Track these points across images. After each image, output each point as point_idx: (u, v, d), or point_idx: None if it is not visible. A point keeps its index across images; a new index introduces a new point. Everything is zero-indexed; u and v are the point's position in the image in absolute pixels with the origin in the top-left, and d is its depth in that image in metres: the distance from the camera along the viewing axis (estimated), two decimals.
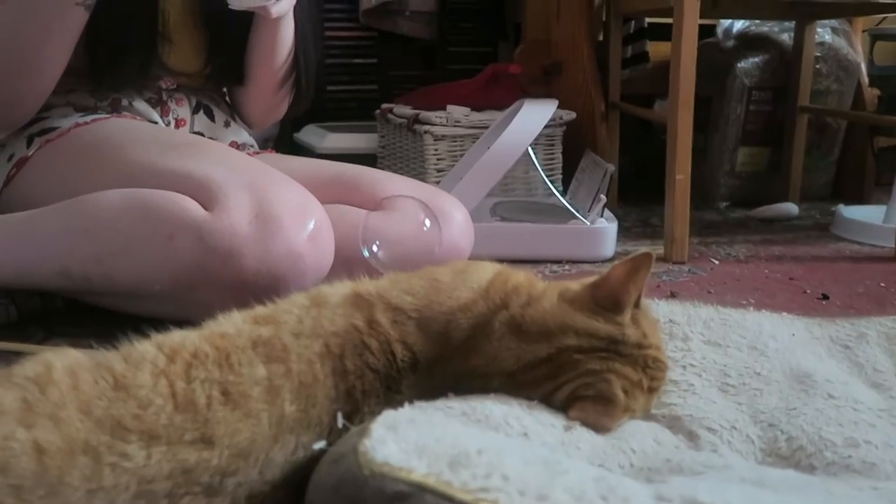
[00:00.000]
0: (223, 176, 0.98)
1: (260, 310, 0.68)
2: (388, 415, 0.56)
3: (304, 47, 1.29)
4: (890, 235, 1.58)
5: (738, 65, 2.06)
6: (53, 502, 0.51)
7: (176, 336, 0.63)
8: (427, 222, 1.05)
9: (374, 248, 1.03)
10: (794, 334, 0.93)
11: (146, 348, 0.61)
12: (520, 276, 0.73)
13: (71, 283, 1.01)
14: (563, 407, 0.65)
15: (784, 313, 0.99)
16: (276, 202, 0.96)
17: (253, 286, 0.92)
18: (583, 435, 0.63)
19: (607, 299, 0.67)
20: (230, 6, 1.09)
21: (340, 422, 0.59)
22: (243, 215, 0.94)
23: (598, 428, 0.64)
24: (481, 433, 0.57)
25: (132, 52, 1.15)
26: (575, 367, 0.65)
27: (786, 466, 0.68)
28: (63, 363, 0.57)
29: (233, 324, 0.65)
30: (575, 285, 0.70)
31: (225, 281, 0.93)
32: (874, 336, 0.92)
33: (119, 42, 1.14)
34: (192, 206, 0.95)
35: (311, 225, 0.97)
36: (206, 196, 0.96)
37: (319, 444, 0.57)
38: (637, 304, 0.68)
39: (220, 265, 0.93)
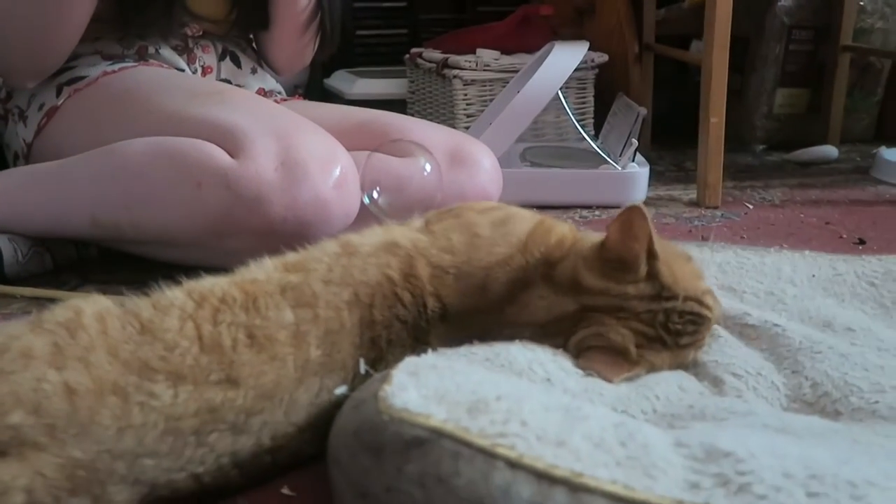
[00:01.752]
0: (249, 124, 0.99)
1: (290, 257, 0.68)
2: (409, 361, 0.56)
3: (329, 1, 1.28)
4: None
5: (778, 3, 1.99)
6: (85, 440, 0.52)
7: (206, 282, 0.64)
8: (427, 167, 1.04)
9: (375, 195, 1.03)
10: (814, 275, 0.90)
11: (175, 294, 0.62)
12: (562, 227, 0.72)
13: (102, 232, 1.02)
14: (575, 356, 0.65)
15: (807, 251, 0.96)
16: (302, 149, 0.96)
17: (280, 233, 0.93)
18: (600, 381, 0.64)
19: (614, 260, 0.66)
20: None
21: (363, 368, 0.60)
22: (269, 162, 0.94)
23: (603, 378, 0.64)
24: (504, 379, 0.57)
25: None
26: (591, 322, 0.65)
27: (811, 412, 0.67)
28: (92, 309, 0.59)
29: (263, 270, 0.66)
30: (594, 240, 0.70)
31: (252, 228, 0.94)
32: None
33: None
34: (218, 154, 0.95)
35: (337, 172, 0.97)
36: (232, 144, 0.96)
37: (341, 390, 0.58)
38: (653, 255, 0.67)
39: (246, 212, 0.93)
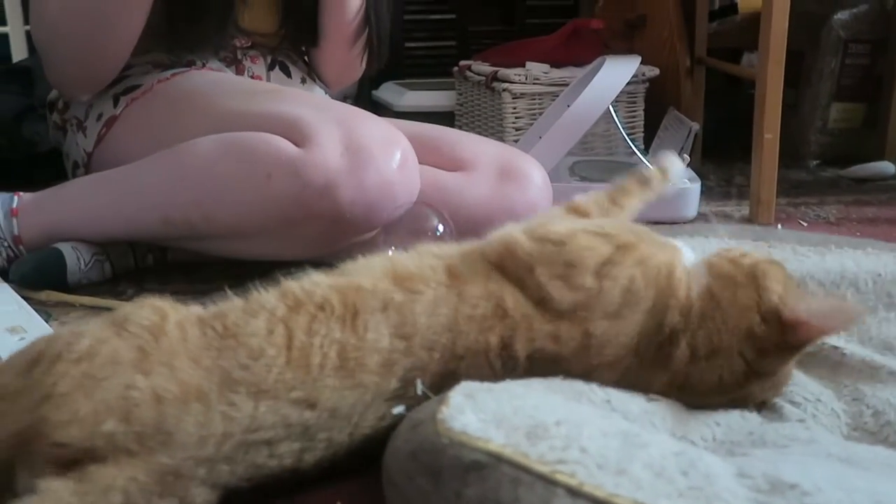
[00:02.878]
0: (310, 114, 1.01)
1: (399, 264, 0.66)
2: (466, 384, 0.56)
3: (375, 3, 1.29)
4: None
5: (834, 16, 1.95)
6: (171, 447, 0.54)
7: (306, 283, 0.63)
8: (440, 228, 1.07)
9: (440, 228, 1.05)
10: (880, 274, 0.87)
11: (267, 298, 0.62)
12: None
13: (174, 230, 1.05)
14: None
15: (869, 248, 0.93)
16: (364, 135, 0.99)
17: (349, 216, 0.97)
18: (666, 406, 0.63)
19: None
20: None
21: (420, 389, 0.60)
22: (335, 149, 0.97)
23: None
24: (562, 402, 0.57)
25: (209, 13, 1.17)
26: None
27: (873, 442, 0.66)
28: (175, 317, 0.59)
29: (370, 274, 0.65)
30: None
31: (322, 213, 0.97)
32: None
33: (196, 3, 1.16)
34: (285, 145, 0.98)
35: (399, 154, 1.00)
36: (296, 134, 0.99)
37: (399, 409, 0.58)
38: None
39: (317, 198, 0.96)
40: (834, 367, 0.74)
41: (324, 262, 0.73)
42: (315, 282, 0.63)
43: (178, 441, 0.54)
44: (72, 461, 0.52)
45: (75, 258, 1.06)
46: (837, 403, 0.70)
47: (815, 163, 2.01)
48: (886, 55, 1.98)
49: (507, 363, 0.63)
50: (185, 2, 1.15)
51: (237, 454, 0.56)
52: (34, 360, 0.56)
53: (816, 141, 2.02)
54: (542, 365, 0.63)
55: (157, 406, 0.54)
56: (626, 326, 0.64)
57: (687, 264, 0.68)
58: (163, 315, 0.59)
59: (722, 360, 0.64)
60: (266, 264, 1.10)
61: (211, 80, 1.17)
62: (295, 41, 1.32)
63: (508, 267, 0.66)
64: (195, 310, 0.62)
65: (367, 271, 0.65)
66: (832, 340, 0.76)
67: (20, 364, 0.57)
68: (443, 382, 0.60)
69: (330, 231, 1.00)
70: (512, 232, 0.69)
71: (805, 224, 1.47)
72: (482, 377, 0.59)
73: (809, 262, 0.89)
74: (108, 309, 1.00)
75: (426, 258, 0.67)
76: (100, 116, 1.18)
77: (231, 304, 0.62)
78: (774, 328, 0.63)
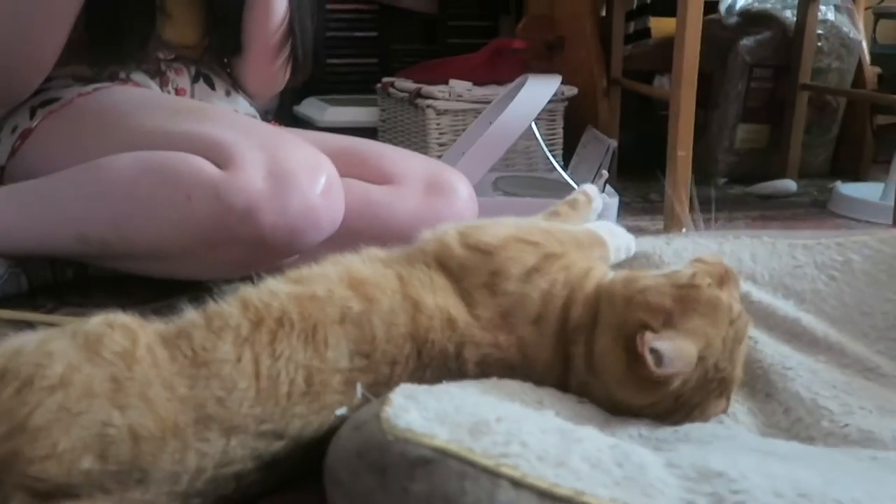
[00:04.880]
0: (234, 136, 1.00)
1: (355, 269, 0.66)
2: (406, 386, 0.57)
3: (299, 16, 1.29)
4: (887, 213, 1.60)
5: (741, 42, 2.06)
6: (146, 484, 0.53)
7: (263, 293, 0.63)
8: None
9: None
10: (775, 268, 0.90)
11: (229, 311, 0.61)
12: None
13: (88, 248, 1.02)
14: None
15: (765, 237, 0.94)
16: (288, 159, 0.98)
17: (271, 241, 0.95)
18: (594, 408, 0.65)
19: None
20: None
21: (360, 392, 0.61)
22: (258, 172, 0.95)
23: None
24: (498, 402, 0.58)
25: (131, 27, 1.15)
26: None
27: (787, 438, 0.70)
28: (144, 339, 0.58)
29: (325, 282, 0.65)
30: None
31: (243, 237, 0.95)
32: (860, 261, 0.89)
33: (117, 18, 1.14)
34: (207, 166, 0.96)
35: (323, 180, 0.99)
36: (219, 156, 0.97)
37: (342, 411, 0.59)
38: None
39: (238, 222, 0.94)
40: (748, 355, 0.76)
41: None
42: (272, 291, 0.63)
43: (153, 478, 0.53)
44: (46, 494, 0.51)
45: None
46: (752, 402, 0.74)
47: (723, 180, 2.11)
48: (787, 80, 2.09)
49: (461, 371, 0.65)
50: (107, 16, 1.13)
51: (208, 488, 0.56)
52: None
53: (724, 160, 2.12)
54: (493, 371, 0.65)
55: (135, 444, 0.53)
56: (547, 329, 0.66)
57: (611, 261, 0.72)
58: (133, 338, 0.58)
59: (598, 382, 0.65)
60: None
61: (133, 96, 1.15)
62: (219, 53, 1.31)
63: (446, 267, 0.69)
64: (157, 327, 0.61)
65: (323, 277, 0.65)
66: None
67: None
68: None
69: (251, 255, 0.98)
70: (447, 233, 0.71)
71: None
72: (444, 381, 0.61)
73: (707, 250, 0.91)
74: (28, 323, 0.97)
75: (375, 265, 0.68)
76: (15, 129, 1.15)
77: (192, 321, 0.61)
78: (632, 358, 0.63)
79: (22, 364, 0.55)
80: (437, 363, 0.65)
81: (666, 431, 0.65)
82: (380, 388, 0.62)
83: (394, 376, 0.63)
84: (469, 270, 0.69)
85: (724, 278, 0.68)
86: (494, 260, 0.69)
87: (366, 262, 0.69)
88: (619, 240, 0.81)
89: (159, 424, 0.54)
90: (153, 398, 0.55)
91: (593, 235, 0.78)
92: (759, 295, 0.84)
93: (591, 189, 0.87)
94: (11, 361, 0.55)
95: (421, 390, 0.57)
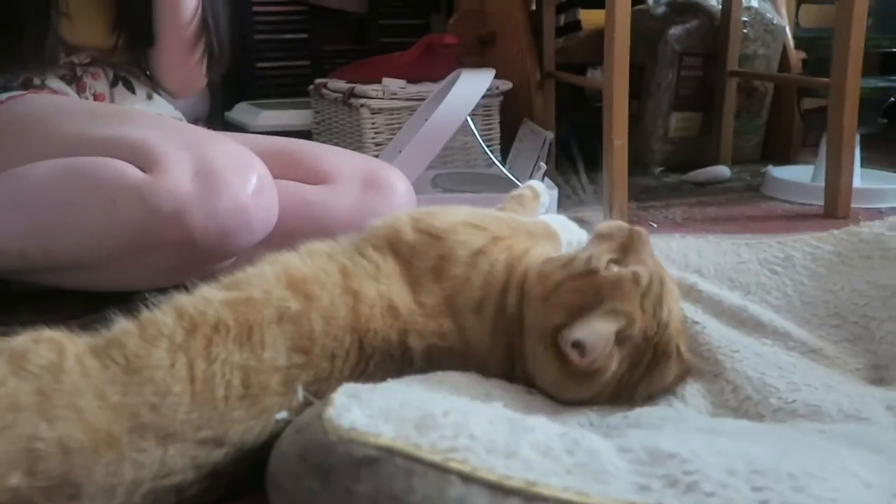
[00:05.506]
0: (158, 137, 0.97)
1: (293, 267, 0.65)
2: (349, 386, 0.56)
3: (212, 8, 1.25)
4: (818, 194, 1.63)
5: (669, 31, 2.08)
6: (78, 499, 0.51)
7: (197, 300, 0.61)
8: None
9: None
10: (719, 262, 0.93)
11: (163, 320, 0.59)
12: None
13: (7, 262, 0.97)
14: None
15: (710, 236, 0.99)
16: (216, 159, 0.95)
17: (201, 244, 0.92)
18: (542, 398, 0.64)
19: None
20: None
21: (301, 395, 0.58)
22: (185, 173, 0.92)
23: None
24: (444, 396, 0.57)
25: (24, 28, 1.09)
26: None
27: (736, 417, 0.70)
28: (73, 349, 0.56)
29: (262, 283, 0.63)
30: None
31: (172, 241, 0.92)
32: (800, 258, 0.93)
33: (8, 21, 1.08)
34: (130, 170, 0.93)
35: (254, 179, 0.97)
36: (143, 159, 0.94)
37: (283, 415, 0.57)
38: None
39: (165, 226, 0.91)
40: (695, 339, 0.77)
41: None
42: (207, 299, 0.61)
43: (87, 492, 0.51)
44: None
45: None
46: (701, 383, 0.74)
47: (659, 169, 2.13)
48: (716, 67, 2.12)
49: (405, 359, 0.64)
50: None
51: (146, 501, 0.53)
52: None
53: (659, 149, 2.14)
54: (439, 360, 0.64)
55: (65, 457, 0.51)
56: (486, 315, 0.66)
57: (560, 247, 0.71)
58: (60, 350, 0.56)
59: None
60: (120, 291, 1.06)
61: (50, 103, 1.11)
62: (131, 47, 1.26)
63: (397, 251, 0.68)
64: (87, 339, 0.59)
65: (260, 279, 0.64)
66: (691, 314, 0.80)
67: None
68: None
69: (182, 260, 0.95)
70: (400, 218, 0.71)
71: (655, 225, 1.55)
72: (390, 373, 0.60)
73: (657, 251, 0.93)
74: None
75: (318, 259, 0.66)
76: None
77: (126, 330, 0.59)
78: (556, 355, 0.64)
79: None
80: (381, 353, 0.63)
81: (616, 418, 0.64)
82: (321, 384, 0.60)
83: (334, 371, 0.61)
84: (418, 254, 0.68)
85: (627, 244, 0.67)
86: (444, 244, 0.69)
87: (305, 259, 0.67)
88: (571, 235, 0.81)
89: (91, 435, 0.52)
90: (84, 407, 0.53)
91: (546, 227, 0.78)
92: (706, 286, 0.85)
93: (537, 184, 0.87)
94: None
95: (364, 388, 0.55)
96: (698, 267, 0.90)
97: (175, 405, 0.55)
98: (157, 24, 1.23)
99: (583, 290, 0.63)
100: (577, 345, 0.60)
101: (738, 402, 0.71)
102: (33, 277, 1.03)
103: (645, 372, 0.65)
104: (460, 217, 0.71)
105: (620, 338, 0.62)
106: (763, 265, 0.91)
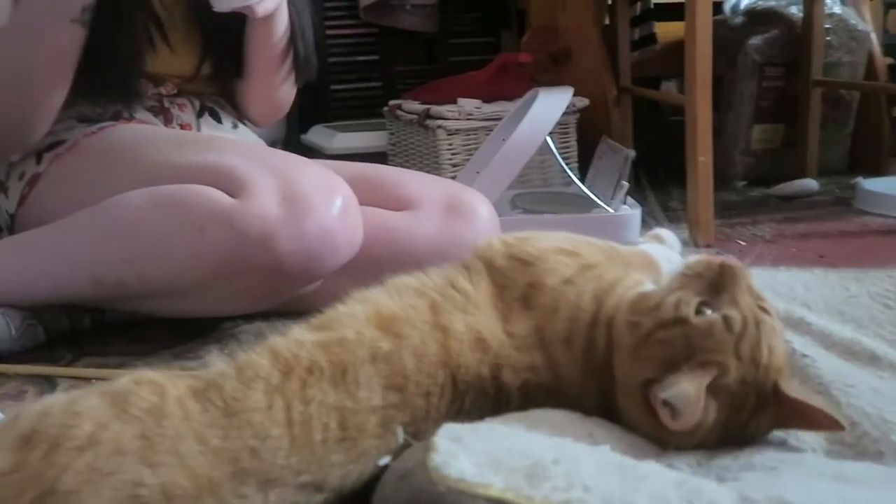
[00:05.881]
0: (244, 163, 0.98)
1: (383, 306, 0.64)
2: (449, 427, 0.54)
3: (300, 23, 1.25)
4: None
5: (749, 41, 2.03)
6: None
7: (291, 343, 0.61)
8: None
9: None
10: (829, 296, 0.89)
11: (259, 363, 0.59)
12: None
13: (104, 291, 0.99)
14: None
15: (816, 269, 0.96)
16: (301, 182, 0.95)
17: (289, 267, 0.93)
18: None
19: None
20: (214, 9, 1.06)
21: (401, 437, 0.57)
22: (271, 198, 0.93)
23: None
24: (549, 439, 0.55)
25: (112, 62, 1.11)
26: None
27: (854, 454, 0.66)
28: (174, 392, 0.56)
29: (353, 324, 0.62)
30: None
31: (260, 265, 0.93)
32: None
33: (96, 56, 1.10)
34: (218, 196, 0.94)
35: (339, 201, 0.97)
36: (230, 184, 0.95)
37: (385, 461, 0.56)
38: None
39: (253, 250, 0.92)
40: (804, 371, 0.74)
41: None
42: (299, 341, 0.61)
43: None
44: None
45: (5, 325, 0.99)
46: None
47: (742, 183, 2.07)
48: (799, 77, 2.06)
49: (501, 396, 0.62)
50: (91, 47, 1.09)
51: None
52: (26, 439, 0.51)
53: (741, 162, 2.08)
54: (535, 397, 0.62)
55: None
56: (576, 349, 0.64)
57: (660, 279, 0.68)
58: (162, 392, 0.55)
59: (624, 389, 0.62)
60: (209, 318, 1.07)
61: (138, 132, 1.13)
62: (220, 78, 1.27)
63: (492, 276, 0.67)
64: (187, 381, 0.58)
65: (350, 319, 0.63)
66: (799, 347, 0.77)
67: (10, 441, 0.52)
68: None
69: (269, 284, 0.96)
70: (493, 243, 0.69)
71: (743, 243, 1.50)
72: (486, 410, 0.59)
73: (762, 282, 0.90)
74: (46, 377, 0.95)
75: (406, 295, 0.65)
76: (22, 175, 1.12)
77: (223, 373, 0.58)
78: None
79: (49, 425, 0.53)
80: (475, 390, 0.62)
81: (726, 459, 0.61)
82: (418, 425, 0.59)
83: (431, 410, 0.60)
84: (508, 281, 0.67)
85: (718, 282, 0.62)
86: (533, 270, 0.67)
87: (393, 296, 0.66)
88: (672, 266, 0.75)
89: (193, 482, 0.51)
90: (185, 453, 0.52)
91: (645, 256, 0.75)
92: (815, 318, 0.82)
93: (665, 233, 0.83)
94: (39, 423, 0.53)
95: (465, 431, 0.54)
96: (806, 300, 0.86)
97: (274, 449, 0.54)
98: (247, 55, 1.24)
99: (672, 341, 0.60)
100: (668, 405, 0.58)
101: (856, 438, 0.67)
102: (128, 305, 1.05)
103: (752, 414, 0.62)
104: (554, 243, 0.69)
105: (714, 388, 0.59)
106: (875, 299, 0.87)
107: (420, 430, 0.59)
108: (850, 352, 0.77)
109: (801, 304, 0.88)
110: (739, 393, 0.60)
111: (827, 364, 0.73)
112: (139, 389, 0.56)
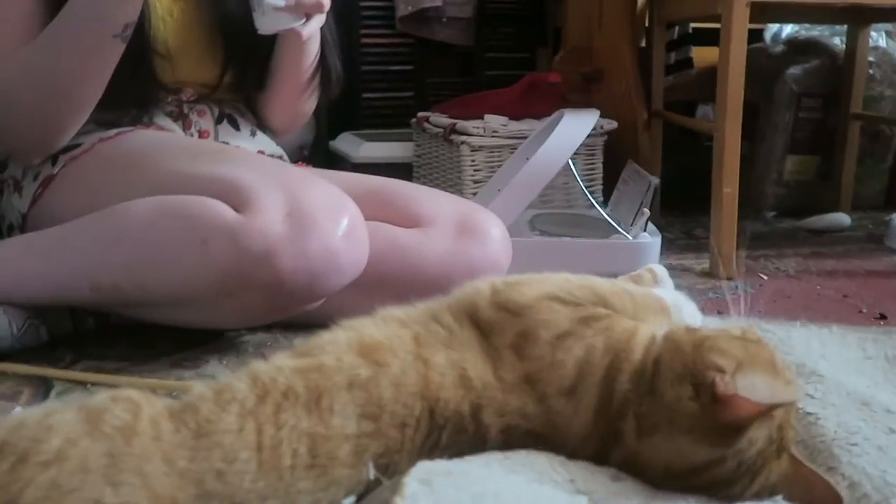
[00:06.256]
0: (253, 178, 0.97)
1: (367, 334, 0.63)
2: (422, 467, 0.52)
3: (331, 37, 1.25)
4: None
5: (787, 71, 1.99)
6: None
7: (271, 368, 0.60)
8: None
9: None
10: (845, 354, 0.87)
11: (238, 387, 0.58)
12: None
13: (102, 296, 0.99)
14: None
15: (834, 327, 0.93)
16: (308, 200, 0.94)
17: (290, 286, 0.91)
18: (633, 485, 0.59)
19: None
20: (259, 31, 1.06)
21: (372, 473, 0.55)
22: (276, 215, 0.92)
23: None
24: (524, 486, 0.53)
25: (118, 73, 1.08)
26: None
27: None
28: (150, 411, 0.55)
29: (334, 350, 0.61)
30: None
31: (261, 282, 0.91)
32: None
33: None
34: (223, 210, 0.93)
35: (346, 222, 0.95)
36: (236, 198, 0.94)
37: (349, 501, 0.54)
38: None
39: (255, 267, 0.91)
40: (807, 430, 0.71)
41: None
42: (279, 366, 0.60)
43: None
44: None
45: (7, 323, 0.99)
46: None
47: (771, 214, 2.03)
48: (838, 109, 2.01)
49: (479, 433, 0.60)
50: None
51: None
52: None
53: (773, 193, 2.04)
54: (520, 439, 0.60)
55: None
56: (584, 403, 0.61)
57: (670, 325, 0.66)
58: (136, 411, 0.55)
59: (661, 438, 0.60)
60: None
61: (154, 140, 1.13)
62: (241, 88, 1.27)
63: (476, 322, 0.65)
64: (167, 402, 0.58)
65: (332, 346, 0.62)
66: (808, 404, 0.74)
67: None
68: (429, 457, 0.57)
69: (270, 301, 0.94)
70: (480, 290, 0.67)
71: (765, 277, 1.46)
72: (464, 446, 0.58)
73: (775, 338, 0.88)
74: (44, 378, 0.95)
75: (392, 325, 0.64)
76: (37, 176, 1.13)
77: (202, 395, 0.58)
78: (707, 403, 0.58)
79: (21, 437, 0.52)
80: (453, 425, 0.60)
81: None
82: (392, 457, 0.58)
83: (405, 441, 0.58)
84: (496, 330, 0.65)
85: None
86: (522, 321, 0.64)
87: (379, 325, 0.65)
88: (684, 315, 0.73)
89: (154, 502, 0.50)
90: (150, 473, 0.51)
91: (656, 300, 0.72)
92: (830, 370, 0.78)
93: (658, 269, 0.81)
94: (12, 435, 0.53)
95: (438, 472, 0.52)
96: (822, 354, 0.83)
97: (241, 472, 0.53)
98: (276, 69, 1.24)
99: (744, 348, 0.60)
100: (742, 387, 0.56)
101: (855, 499, 0.64)
102: (127, 311, 1.05)
103: (762, 465, 0.59)
104: (546, 289, 0.66)
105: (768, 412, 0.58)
106: (893, 363, 0.84)
107: (393, 462, 0.57)
108: (864, 401, 0.74)
109: (818, 356, 0.85)
110: (772, 436, 0.59)
111: (833, 420, 0.70)
112: (114, 406, 0.55)
